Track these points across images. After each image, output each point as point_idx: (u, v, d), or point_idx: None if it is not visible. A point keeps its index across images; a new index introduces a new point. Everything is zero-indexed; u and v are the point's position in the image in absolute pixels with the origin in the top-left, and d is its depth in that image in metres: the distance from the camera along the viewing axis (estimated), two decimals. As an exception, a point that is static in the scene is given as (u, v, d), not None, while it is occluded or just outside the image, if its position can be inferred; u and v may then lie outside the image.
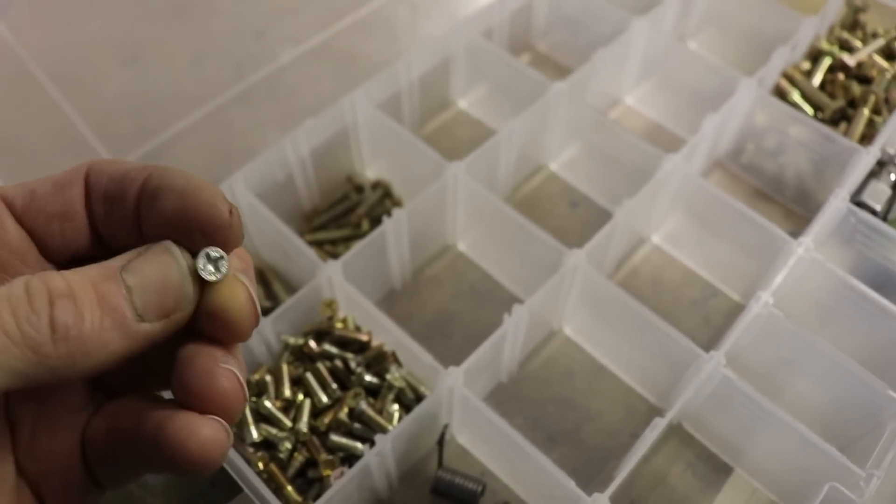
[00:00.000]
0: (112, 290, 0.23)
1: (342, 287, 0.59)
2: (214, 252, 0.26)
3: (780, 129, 0.75)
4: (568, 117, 0.75)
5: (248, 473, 0.50)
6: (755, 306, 0.59)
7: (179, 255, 0.25)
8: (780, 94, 0.80)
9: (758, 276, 0.69)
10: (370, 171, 0.78)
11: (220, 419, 0.25)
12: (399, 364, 0.58)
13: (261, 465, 0.54)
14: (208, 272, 0.25)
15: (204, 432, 0.24)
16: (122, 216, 0.27)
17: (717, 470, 0.63)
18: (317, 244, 0.71)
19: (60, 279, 0.23)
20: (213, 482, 0.60)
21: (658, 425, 0.53)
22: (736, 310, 0.71)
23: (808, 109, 0.78)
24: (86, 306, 0.23)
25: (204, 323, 0.26)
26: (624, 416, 0.65)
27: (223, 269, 0.26)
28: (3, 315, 0.22)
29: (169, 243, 0.25)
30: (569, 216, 0.77)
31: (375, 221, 0.72)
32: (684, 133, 0.84)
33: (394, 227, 0.63)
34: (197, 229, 0.25)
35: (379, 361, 0.58)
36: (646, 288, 0.72)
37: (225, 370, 0.26)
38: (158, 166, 0.26)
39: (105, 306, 0.23)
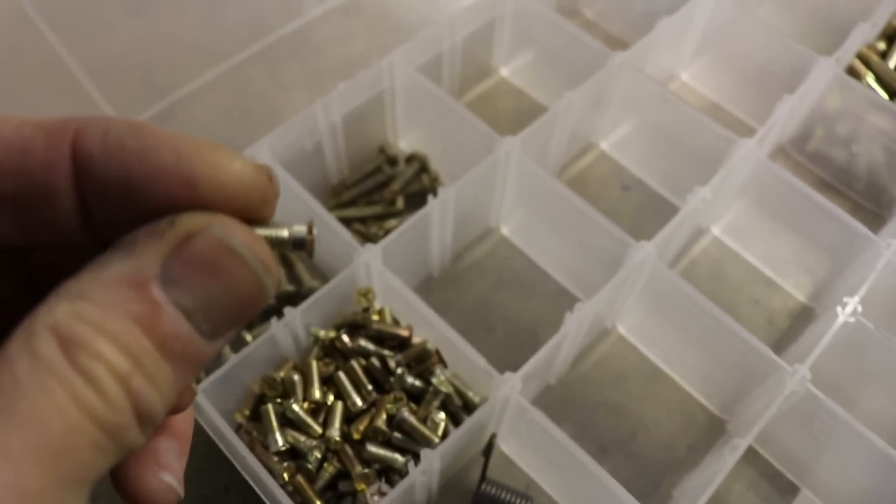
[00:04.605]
0: (172, 334, 0.17)
1: (381, 274, 0.53)
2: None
3: (855, 115, 0.68)
4: (625, 92, 0.67)
5: (270, 485, 0.44)
6: (842, 314, 0.53)
7: (242, 246, 0.18)
8: (852, 76, 0.73)
9: (830, 276, 0.63)
10: (403, 143, 0.71)
11: None
12: (444, 365, 0.52)
13: (286, 476, 0.47)
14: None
15: None
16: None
17: (783, 490, 0.57)
18: (344, 222, 0.64)
19: (125, 360, 0.17)
20: (227, 487, 0.54)
21: (738, 448, 0.47)
22: (803, 312, 0.65)
23: (883, 94, 0.71)
24: (161, 378, 0.18)
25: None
26: (682, 426, 0.59)
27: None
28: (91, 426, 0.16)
29: (219, 229, 0.18)
30: (620, 200, 0.70)
31: (411, 199, 0.65)
32: (743, 115, 0.77)
33: (439, 208, 0.56)
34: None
35: (422, 361, 0.51)
36: (704, 283, 0.66)
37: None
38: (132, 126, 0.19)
39: (175, 363, 0.18)
